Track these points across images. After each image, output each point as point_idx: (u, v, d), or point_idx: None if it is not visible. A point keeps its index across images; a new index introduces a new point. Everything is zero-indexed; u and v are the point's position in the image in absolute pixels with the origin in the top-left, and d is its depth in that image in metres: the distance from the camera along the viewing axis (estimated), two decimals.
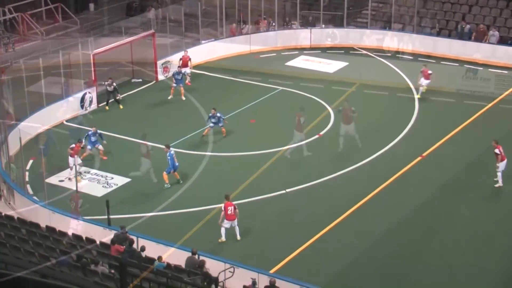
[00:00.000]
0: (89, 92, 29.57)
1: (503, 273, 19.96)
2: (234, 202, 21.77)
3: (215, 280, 18.01)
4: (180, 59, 31.76)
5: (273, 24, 36.45)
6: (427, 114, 28.86)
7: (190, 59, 31.75)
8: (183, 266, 19.06)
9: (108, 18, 37.65)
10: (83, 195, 23.05)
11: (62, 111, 28.86)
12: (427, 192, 23.57)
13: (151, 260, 18.87)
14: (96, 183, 24.33)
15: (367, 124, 28.04)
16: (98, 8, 40.60)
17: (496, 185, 23.45)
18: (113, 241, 19.78)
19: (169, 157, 23.92)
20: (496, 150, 23.20)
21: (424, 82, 29.99)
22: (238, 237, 21.47)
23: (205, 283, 17.64)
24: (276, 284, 17.98)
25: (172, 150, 24.27)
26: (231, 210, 21.20)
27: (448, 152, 25.95)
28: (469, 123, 28.01)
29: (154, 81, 32.23)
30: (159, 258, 18.76)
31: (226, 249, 20.76)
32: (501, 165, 23.22)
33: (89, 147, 25.51)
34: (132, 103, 30.64)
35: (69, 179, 24.08)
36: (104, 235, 20.55)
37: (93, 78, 29.92)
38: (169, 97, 30.32)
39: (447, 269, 20.11)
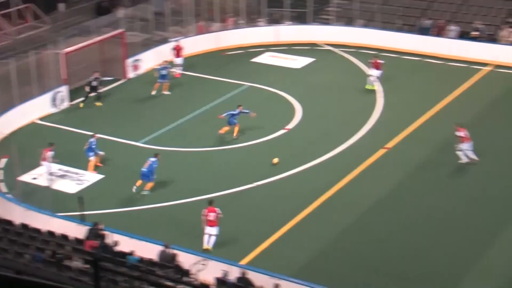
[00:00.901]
0: (60, 91, 29.89)
1: (470, 258, 20.73)
2: (204, 197, 22.37)
3: (187, 273, 18.63)
4: (173, 48, 32.40)
5: (240, 21, 36.99)
6: (391, 107, 29.57)
7: (182, 49, 32.39)
8: (156, 259, 19.42)
9: (78, 18, 37.83)
10: (56, 192, 23.36)
11: (34, 110, 29.16)
12: (392, 183, 24.25)
13: (124, 255, 19.27)
14: (69, 180, 24.68)
15: (332, 118, 28.86)
16: (68, 8, 40.70)
17: (459, 161, 24.72)
18: (87, 237, 20.14)
19: (155, 166, 23.69)
20: (458, 133, 24.43)
21: (375, 72, 30.85)
22: (210, 245, 20.87)
23: (178, 276, 18.09)
24: (247, 275, 18.42)
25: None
26: (214, 217, 20.93)
27: (411, 143, 26.69)
28: (432, 115, 28.89)
29: (124, 79, 32.65)
30: (132, 252, 19.11)
31: (198, 243, 21.24)
32: (465, 146, 24.53)
33: (92, 155, 24.95)
34: (103, 101, 30.99)
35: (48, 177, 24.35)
36: (78, 231, 20.90)
37: (65, 77, 30.25)
38: (152, 92, 30.55)
39: (414, 256, 20.75)
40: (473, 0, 36.28)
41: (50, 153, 24.42)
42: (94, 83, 29.96)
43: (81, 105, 30.07)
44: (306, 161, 25.56)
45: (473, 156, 24.79)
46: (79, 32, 33.97)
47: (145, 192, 23.84)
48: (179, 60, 32.63)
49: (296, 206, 23.05)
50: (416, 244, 21.35)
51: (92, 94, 30.10)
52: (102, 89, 30.50)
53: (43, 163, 24.43)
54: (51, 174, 24.31)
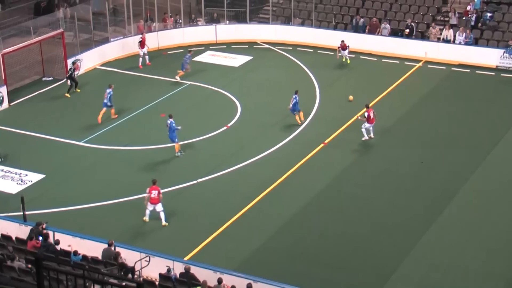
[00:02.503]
0: None
1: (406, 247, 21.53)
2: (147, 194, 22.74)
3: (132, 270, 18.89)
4: (139, 41, 33.64)
5: (180, 21, 37.15)
6: (328, 103, 30.39)
7: (144, 39, 33.74)
8: (100, 257, 19.60)
9: (17, 18, 37.42)
10: None
11: None
12: (330, 176, 24.94)
13: (67, 253, 19.40)
14: (10, 180, 24.64)
15: (272, 114, 29.50)
16: (6, 8, 40.23)
17: (363, 139, 26.71)
18: (29, 237, 20.15)
19: (173, 125, 25.61)
20: (367, 113, 26.49)
21: (343, 52, 33.30)
22: (164, 223, 22.30)
23: (122, 273, 18.26)
24: (191, 271, 18.73)
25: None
26: (155, 194, 22.27)
27: (347, 138, 27.43)
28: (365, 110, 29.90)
29: (64, 79, 32.63)
30: (75, 252, 19.23)
31: (141, 239, 21.53)
32: (368, 125, 26.61)
33: (109, 105, 28.16)
34: (44, 100, 30.93)
35: None
36: (20, 231, 20.96)
37: (3, 78, 30.06)
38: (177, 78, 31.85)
39: (353, 247, 21.44)
40: None
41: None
42: (72, 74, 31.03)
43: (68, 94, 30.90)
44: (247, 157, 26.06)
45: (371, 135, 26.83)
46: (18, 32, 33.67)
47: (178, 154, 25.93)
48: (144, 51, 33.87)
49: (239, 201, 23.50)
50: (355, 235, 22.03)
51: (69, 83, 31.07)
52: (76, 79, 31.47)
53: None
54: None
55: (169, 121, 25.92)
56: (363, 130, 26.70)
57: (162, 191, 22.73)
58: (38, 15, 37.46)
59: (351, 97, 29.94)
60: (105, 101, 28.30)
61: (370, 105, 27.35)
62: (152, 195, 22.31)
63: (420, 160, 26.09)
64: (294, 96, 27.96)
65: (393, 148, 27.02)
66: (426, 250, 21.33)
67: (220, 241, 21.72)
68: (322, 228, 22.36)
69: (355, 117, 28.12)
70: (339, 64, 33.91)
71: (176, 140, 25.98)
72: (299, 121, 28.23)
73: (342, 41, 33.55)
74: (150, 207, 22.40)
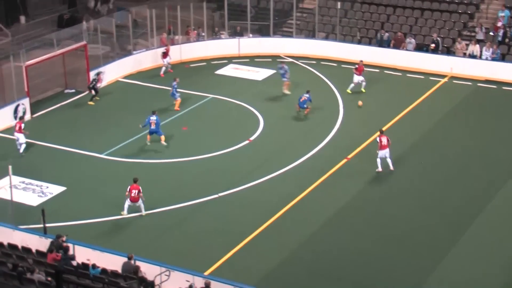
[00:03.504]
0: (22, 104, 29.81)
1: (428, 266, 21.18)
2: (168, 208, 22.58)
3: (152, 284, 18.73)
4: (163, 52, 34.01)
5: (203, 34, 37.26)
6: (352, 118, 30.12)
7: (168, 51, 34.41)
8: (120, 271, 19.49)
9: (40, 30, 37.73)
10: (18, 204, 23.29)
11: None
12: (352, 193, 24.67)
13: (86, 267, 19.34)
14: (31, 192, 24.63)
15: (294, 128, 29.30)
16: (29, 20, 40.61)
17: (376, 170, 25.58)
18: (49, 249, 20.15)
19: (159, 121, 27.19)
20: (378, 139, 25.47)
21: (358, 79, 32.18)
22: (143, 213, 23.19)
23: (142, 287, 18.25)
24: (211, 286, 18.49)
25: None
26: (135, 193, 22.86)
27: (371, 154, 27.02)
28: (391, 125, 29.48)
29: (87, 91, 32.66)
30: (94, 265, 19.14)
31: (161, 253, 21.35)
32: (380, 153, 25.47)
33: (176, 96, 30.25)
34: (66, 112, 31.00)
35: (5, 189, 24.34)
36: (40, 244, 20.92)
37: (26, 90, 30.18)
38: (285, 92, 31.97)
39: (374, 264, 21.13)
40: (430, 13, 37.22)
41: (22, 125, 27.16)
42: (95, 84, 31.50)
43: (90, 102, 31.36)
44: (268, 172, 25.87)
45: (391, 167, 25.62)
46: (41, 45, 33.88)
47: (164, 144, 27.22)
48: (167, 60, 34.36)
49: (259, 217, 23.33)
50: (376, 252, 21.75)
51: (93, 92, 31.51)
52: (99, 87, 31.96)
53: (16, 134, 26.96)
54: (20, 145, 26.92)
55: (154, 117, 27.26)
56: (378, 160, 25.53)
57: (184, 204, 22.58)
58: (61, 27, 37.80)
59: (360, 102, 29.41)
60: (174, 92, 30.40)
61: (384, 129, 26.42)
62: (132, 194, 22.90)
63: (443, 176, 25.64)
64: (305, 95, 29.29)
65: (417, 164, 26.59)
66: (450, 269, 20.93)
67: (241, 256, 21.55)
68: (343, 245, 22.14)
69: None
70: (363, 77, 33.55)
71: (161, 132, 27.39)
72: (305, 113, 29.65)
73: (361, 61, 32.45)
74: (129, 203, 23.14)
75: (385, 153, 25.49)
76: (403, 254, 21.66)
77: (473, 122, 30.04)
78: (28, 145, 28.01)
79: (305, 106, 29.69)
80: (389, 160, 25.63)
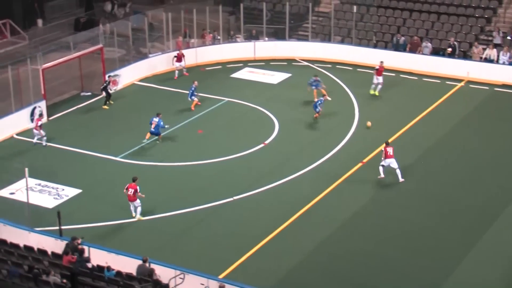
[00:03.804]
0: (38, 106, 30.00)
1: (444, 271, 21.10)
2: (183, 211, 22.53)
3: (166, 287, 18.74)
4: (175, 56, 34.19)
5: (218, 37, 37.29)
6: (367, 121, 29.80)
7: (183, 55, 34.53)
8: (134, 274, 19.51)
9: (57, 33, 37.97)
10: (34, 206, 23.40)
11: (12, 125, 29.19)
12: (367, 196, 24.61)
13: (101, 269, 19.40)
14: (47, 195, 24.74)
15: (309, 132, 29.23)
16: (46, 23, 40.87)
17: (378, 177, 25.27)
18: (65, 252, 20.24)
19: (161, 123, 27.89)
20: (383, 149, 25.25)
21: (378, 80, 32.05)
22: (137, 217, 23.31)
23: None
24: None
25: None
26: (131, 192, 23.01)
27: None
28: (407, 129, 29.40)
29: (103, 94, 32.76)
30: (108, 267, 19.19)
31: (175, 256, 21.37)
32: (385, 161, 25.21)
33: (192, 98, 30.85)
34: (82, 115, 31.11)
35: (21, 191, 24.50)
36: (56, 246, 20.99)
37: (43, 92, 30.36)
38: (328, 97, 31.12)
39: (388, 268, 21.05)
40: (446, 17, 37.04)
41: (39, 123, 28.09)
42: (107, 87, 31.55)
43: (106, 107, 31.50)
44: (283, 175, 25.83)
45: (400, 178, 25.26)
46: (58, 48, 34.09)
47: (158, 141, 28.01)
48: (180, 64, 34.63)
49: (274, 220, 23.29)
50: (391, 256, 21.66)
51: (104, 94, 31.59)
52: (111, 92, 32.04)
53: (34, 131, 27.98)
54: (40, 139, 27.96)
55: (156, 119, 27.86)
56: (380, 167, 25.28)
57: (199, 207, 22.57)
58: (78, 30, 38.02)
59: (368, 123, 28.82)
60: (190, 94, 30.93)
61: (389, 141, 25.97)
62: (129, 193, 22.99)
63: (460, 181, 25.47)
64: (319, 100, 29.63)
65: (432, 169, 26.47)
66: (464, 274, 20.81)
67: (255, 260, 21.51)
68: (358, 249, 22.06)
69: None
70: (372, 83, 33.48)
71: (160, 133, 28.08)
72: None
73: (381, 63, 32.45)
74: (130, 203, 23.27)
75: (390, 162, 25.17)
76: (418, 259, 21.52)
77: (490, 126, 29.82)
78: (44, 147, 28.17)
79: (317, 110, 29.66)
80: (398, 171, 25.24)
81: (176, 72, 34.46)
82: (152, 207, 24.01)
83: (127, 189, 23.18)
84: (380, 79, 32.23)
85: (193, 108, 30.97)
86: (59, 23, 40.05)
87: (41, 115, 29.22)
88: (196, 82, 31.03)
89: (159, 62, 35.33)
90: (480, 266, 21.17)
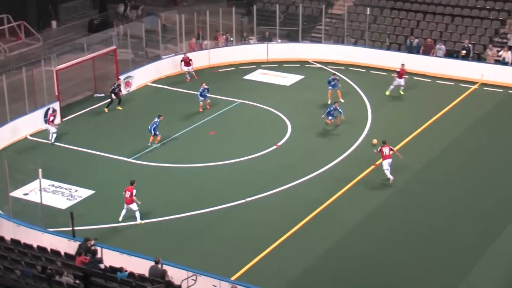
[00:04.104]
0: (52, 107, 30.10)
1: (455, 274, 21.03)
2: (195, 212, 22.50)
3: None
4: (181, 60, 33.89)
5: (231, 39, 37.30)
6: (380, 124, 29.98)
7: (190, 59, 34.13)
8: (147, 275, 19.56)
9: (71, 35, 38.16)
10: (47, 207, 23.52)
11: (26, 126, 29.32)
12: (380, 199, 24.53)
13: (114, 270, 19.47)
14: (60, 196, 24.84)
15: (321, 134, 29.14)
16: (61, 25, 41.08)
17: (390, 181, 25.07)
18: (78, 252, 20.33)
19: (155, 125, 27.68)
20: (383, 149, 25.01)
21: (399, 81, 31.98)
22: (138, 221, 23.14)
23: None
24: None
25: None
26: (128, 194, 23.02)
27: (399, 160, 27.03)
28: (420, 132, 29.31)
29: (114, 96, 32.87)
30: (121, 268, 19.26)
31: (188, 258, 21.37)
32: (384, 163, 25.10)
33: (201, 98, 30.62)
34: (95, 116, 31.21)
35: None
36: (69, 247, 21.08)
37: (57, 94, 30.49)
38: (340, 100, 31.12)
39: (400, 271, 20.99)
40: (460, 20, 36.87)
41: (52, 118, 28.81)
42: (116, 90, 31.16)
43: (106, 110, 31.21)
44: (296, 177, 25.79)
45: (390, 177, 25.13)
46: (72, 49, 34.24)
47: (155, 145, 27.73)
48: (189, 69, 34.30)
49: (287, 222, 23.26)
50: (403, 259, 21.59)
51: (114, 98, 31.35)
52: (122, 94, 31.82)
53: (47, 125, 28.74)
54: (52, 134, 28.49)
55: (155, 119, 27.76)
56: (386, 171, 25.10)
57: (211, 209, 22.53)
58: (91, 32, 38.16)
59: (374, 141, 27.35)
60: (199, 94, 30.76)
61: (386, 141, 25.65)
62: (126, 195, 22.98)
63: (473, 184, 25.30)
64: (332, 108, 28.90)
65: (445, 172, 26.37)
66: (479, 277, 20.69)
67: (267, 262, 21.50)
68: (370, 252, 22.00)
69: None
70: (391, 84, 33.32)
71: (158, 133, 27.82)
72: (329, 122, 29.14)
73: (403, 65, 32.25)
74: (125, 206, 23.19)
75: (387, 163, 25.05)
76: (431, 262, 21.41)
77: (504, 129, 29.65)
78: (58, 148, 28.30)
79: (329, 118, 28.92)
80: (387, 171, 25.14)
81: (187, 74, 34.48)
82: (164, 209, 24.05)
83: (125, 192, 23.19)
84: (402, 81, 32.18)
85: (201, 109, 30.90)
86: (73, 25, 40.23)
87: (54, 110, 29.39)
88: (204, 84, 30.86)
89: (172, 64, 35.38)
90: (493, 270, 21.04)
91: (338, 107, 29.15)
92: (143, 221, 23.29)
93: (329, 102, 30.99)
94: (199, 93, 30.98)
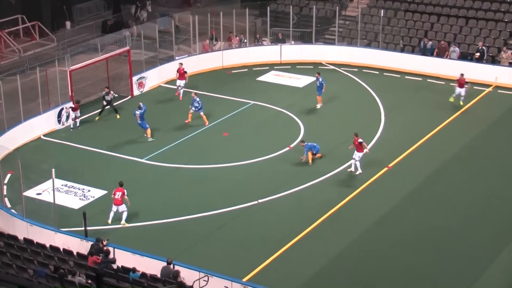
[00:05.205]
0: (66, 108, 30.25)
1: (470, 277, 20.91)
2: (207, 213, 22.51)
3: None
4: (177, 71, 32.51)
5: (245, 40, 37.25)
6: (393, 126, 29.88)
7: (186, 72, 32.32)
8: (159, 275, 19.63)
9: (85, 35, 38.32)
10: (60, 207, 23.61)
11: (40, 126, 29.47)
12: (393, 202, 24.45)
13: (127, 270, 19.55)
14: (73, 196, 24.92)
15: (334, 136, 29.09)
16: (75, 26, 41.27)
17: (356, 173, 25.65)
18: (90, 252, 20.42)
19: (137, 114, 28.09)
20: (357, 140, 25.46)
21: (460, 90, 31.16)
22: (122, 222, 23.05)
23: None
24: None
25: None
26: (119, 195, 22.94)
27: (413, 163, 26.99)
28: (434, 134, 29.18)
29: (129, 96, 32.93)
30: (133, 269, 19.32)
31: (200, 258, 21.37)
32: (356, 155, 25.58)
33: (193, 109, 29.57)
34: (108, 117, 31.34)
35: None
36: (81, 247, 21.19)
37: (71, 94, 30.60)
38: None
39: (414, 274, 20.93)
40: (475, 22, 36.68)
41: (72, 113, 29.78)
42: (107, 98, 30.57)
43: (97, 118, 30.68)
44: (308, 179, 25.76)
45: (354, 168, 25.79)
46: (85, 50, 34.35)
47: (150, 139, 28.19)
48: (181, 83, 32.44)
49: (299, 224, 23.23)
50: (416, 262, 21.49)
51: (107, 107, 30.78)
52: (115, 103, 31.17)
53: (71, 112, 29.76)
54: (75, 118, 29.69)
55: (138, 112, 28.01)
56: (357, 163, 25.57)
57: (223, 210, 22.51)
58: (105, 33, 38.29)
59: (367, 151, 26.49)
60: (196, 105, 29.71)
61: (358, 134, 25.94)
62: (116, 196, 22.94)
63: (489, 186, 25.15)
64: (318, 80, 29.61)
65: (459, 174, 26.24)
66: (491, 281, 20.56)
67: (279, 264, 21.47)
68: (383, 254, 21.93)
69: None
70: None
71: (147, 126, 28.16)
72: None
73: (462, 75, 31.29)
74: (114, 208, 23.10)
75: (360, 155, 25.45)
76: (445, 264, 21.33)
77: None
78: (71, 148, 28.38)
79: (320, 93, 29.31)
80: (358, 163, 25.62)
81: (180, 89, 32.13)
82: (176, 209, 24.07)
83: (114, 194, 23.14)
84: (463, 91, 31.12)
85: (189, 120, 29.67)
86: (87, 25, 40.41)
87: (78, 102, 29.93)
88: (194, 95, 29.53)
89: (185, 65, 35.27)
90: (508, 274, 20.94)
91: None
92: (127, 224, 23.19)
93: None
94: (192, 104, 29.63)
